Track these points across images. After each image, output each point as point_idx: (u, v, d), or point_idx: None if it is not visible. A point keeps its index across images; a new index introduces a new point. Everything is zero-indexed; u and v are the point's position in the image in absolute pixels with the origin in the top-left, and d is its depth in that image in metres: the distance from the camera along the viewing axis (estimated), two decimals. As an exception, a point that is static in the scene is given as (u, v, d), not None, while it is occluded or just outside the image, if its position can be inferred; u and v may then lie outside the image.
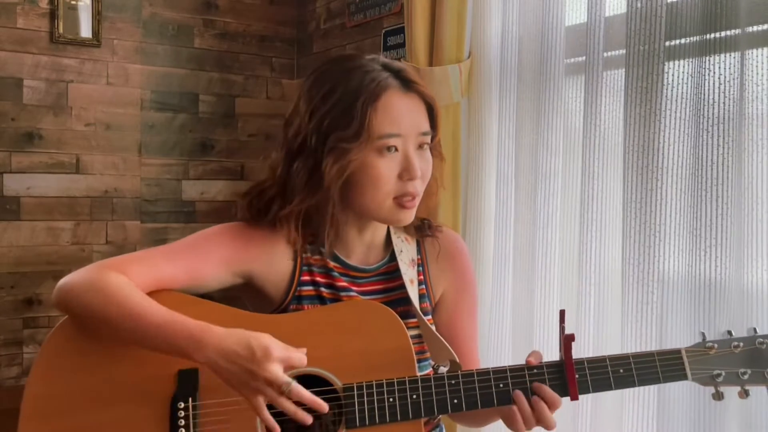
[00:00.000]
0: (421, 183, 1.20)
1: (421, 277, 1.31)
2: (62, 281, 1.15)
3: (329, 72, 1.22)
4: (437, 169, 1.27)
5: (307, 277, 1.25)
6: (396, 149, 1.17)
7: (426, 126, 1.21)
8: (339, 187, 1.18)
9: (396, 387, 1.12)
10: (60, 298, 1.15)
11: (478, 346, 1.38)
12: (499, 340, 2.04)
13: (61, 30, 2.88)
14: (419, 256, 1.32)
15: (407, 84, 1.20)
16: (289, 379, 1.03)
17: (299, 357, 1.06)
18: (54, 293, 1.15)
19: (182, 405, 1.13)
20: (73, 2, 2.90)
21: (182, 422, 1.13)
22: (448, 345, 1.22)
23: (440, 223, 1.35)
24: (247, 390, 1.05)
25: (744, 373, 1.11)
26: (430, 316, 1.30)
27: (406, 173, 1.17)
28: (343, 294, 1.25)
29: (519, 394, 1.12)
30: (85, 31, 2.94)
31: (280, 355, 1.04)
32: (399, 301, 1.26)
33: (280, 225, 1.21)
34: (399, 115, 1.17)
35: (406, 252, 1.30)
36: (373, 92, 1.16)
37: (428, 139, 1.21)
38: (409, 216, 1.21)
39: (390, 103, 1.17)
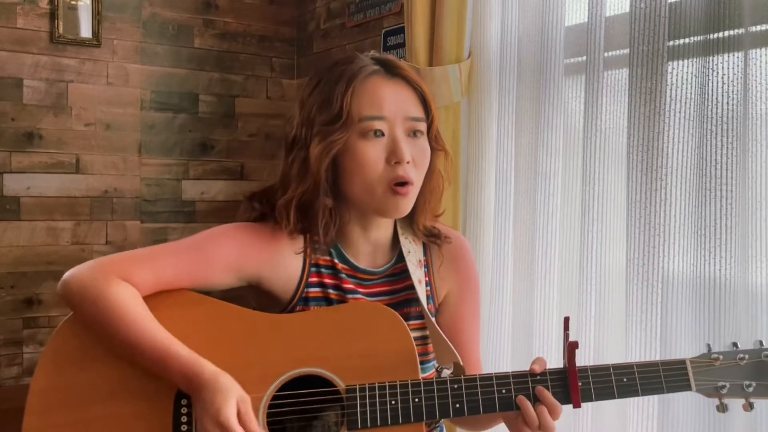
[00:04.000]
0: (413, 169, 1.19)
1: (427, 278, 1.31)
2: (68, 276, 1.15)
3: (319, 71, 1.25)
4: (441, 164, 1.27)
5: (315, 279, 1.24)
6: (382, 133, 1.17)
7: (416, 112, 1.21)
8: (328, 171, 1.19)
9: (398, 390, 1.12)
10: (63, 295, 1.15)
11: (480, 349, 1.38)
12: (498, 340, 2.04)
13: (61, 30, 2.88)
14: (425, 257, 1.32)
15: (392, 70, 1.22)
16: None
17: None
18: (59, 286, 1.16)
19: (185, 401, 1.14)
20: (73, 2, 2.90)
21: (185, 418, 1.13)
22: (453, 347, 1.21)
23: (448, 231, 1.34)
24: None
25: (749, 386, 1.10)
26: (433, 318, 1.30)
27: (393, 156, 1.17)
28: (349, 296, 1.24)
29: (523, 400, 1.12)
30: (85, 31, 2.94)
31: (224, 421, 1.04)
32: (405, 303, 1.26)
33: (279, 216, 1.21)
34: (380, 98, 1.18)
35: (413, 253, 1.30)
36: (352, 75, 1.18)
37: (420, 125, 1.21)
38: (404, 204, 1.20)
39: (371, 86, 1.19)
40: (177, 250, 1.21)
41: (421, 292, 1.26)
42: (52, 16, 2.87)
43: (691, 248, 1.55)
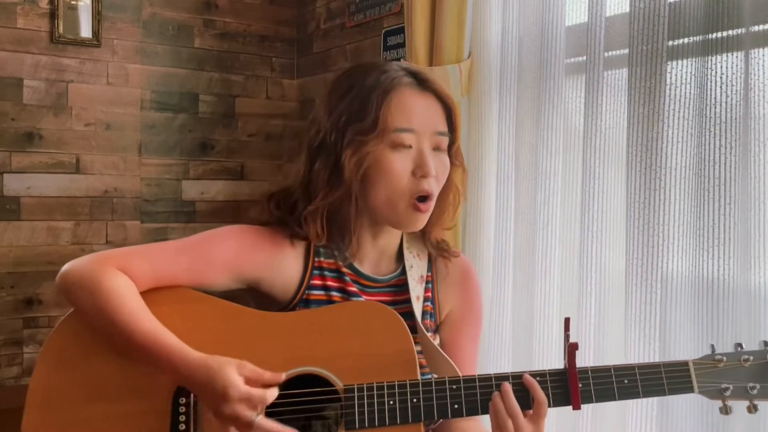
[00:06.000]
0: (435, 183, 1.20)
1: (429, 293, 1.31)
2: (66, 268, 1.16)
3: (349, 75, 1.25)
4: (458, 179, 1.27)
5: (318, 281, 1.24)
6: (410, 146, 1.18)
7: (442, 126, 1.22)
8: (359, 180, 1.19)
9: (397, 390, 1.12)
10: (60, 286, 1.16)
11: (475, 372, 1.36)
12: (498, 341, 2.04)
13: (61, 30, 2.88)
14: (429, 273, 1.32)
15: (423, 83, 1.22)
16: (252, 416, 1.04)
17: (260, 395, 1.05)
18: (58, 277, 1.16)
19: (183, 400, 1.14)
20: (73, 2, 2.90)
21: (183, 417, 1.13)
22: (452, 362, 1.20)
23: (458, 252, 1.35)
24: (219, 417, 1.07)
25: (753, 388, 1.09)
26: (431, 333, 1.29)
27: (419, 170, 1.18)
28: (353, 300, 1.24)
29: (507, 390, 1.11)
30: (85, 31, 2.93)
31: (238, 395, 1.04)
32: (406, 315, 1.25)
33: (305, 224, 1.21)
34: (412, 110, 1.19)
35: (416, 268, 1.30)
36: (387, 86, 1.19)
37: (445, 140, 1.22)
38: (422, 220, 1.21)
39: (403, 98, 1.19)
40: (177, 248, 1.21)
41: (417, 308, 1.26)
42: (52, 16, 2.87)
43: (690, 248, 1.54)
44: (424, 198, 1.19)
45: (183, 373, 1.09)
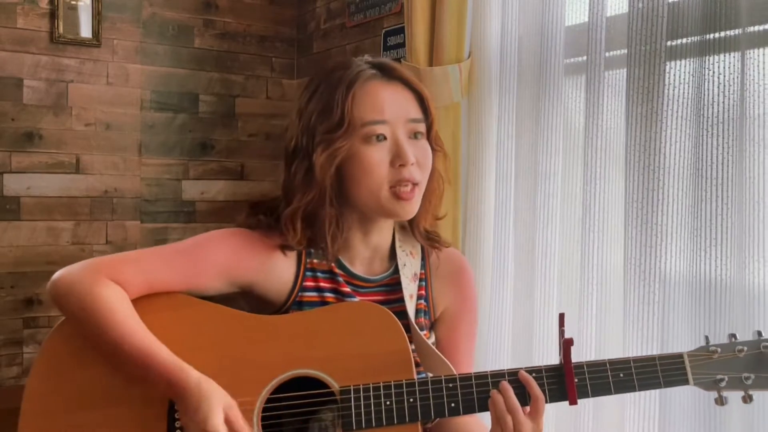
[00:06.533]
0: (417, 170, 1.19)
1: (422, 291, 1.30)
2: (56, 276, 1.15)
3: (316, 77, 1.25)
4: (441, 165, 1.26)
5: (310, 283, 1.24)
6: (384, 137, 1.17)
7: (415, 113, 1.21)
8: (332, 179, 1.18)
9: (393, 390, 1.11)
10: (51, 294, 1.15)
11: (472, 369, 1.36)
12: (498, 341, 2.04)
13: (61, 30, 2.88)
14: (423, 271, 1.31)
15: (388, 72, 1.21)
16: None
17: None
18: (48, 285, 1.15)
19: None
20: (73, 2, 2.90)
21: (179, 423, 1.12)
22: (446, 360, 1.20)
23: (449, 243, 1.34)
24: None
25: (747, 378, 1.09)
26: (426, 331, 1.29)
27: (397, 159, 1.17)
28: (347, 300, 1.24)
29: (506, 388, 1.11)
30: (85, 31, 2.93)
31: (212, 429, 1.04)
32: (399, 314, 1.24)
33: (285, 228, 1.20)
34: (381, 102, 1.18)
35: (409, 266, 1.29)
36: (350, 81, 1.18)
37: (420, 127, 1.21)
38: (410, 207, 1.19)
39: (370, 90, 1.18)
40: (169, 254, 1.20)
41: (410, 306, 1.25)
42: (52, 16, 2.87)
43: (687, 248, 1.54)
44: (406, 187, 1.17)
45: (177, 392, 1.08)
